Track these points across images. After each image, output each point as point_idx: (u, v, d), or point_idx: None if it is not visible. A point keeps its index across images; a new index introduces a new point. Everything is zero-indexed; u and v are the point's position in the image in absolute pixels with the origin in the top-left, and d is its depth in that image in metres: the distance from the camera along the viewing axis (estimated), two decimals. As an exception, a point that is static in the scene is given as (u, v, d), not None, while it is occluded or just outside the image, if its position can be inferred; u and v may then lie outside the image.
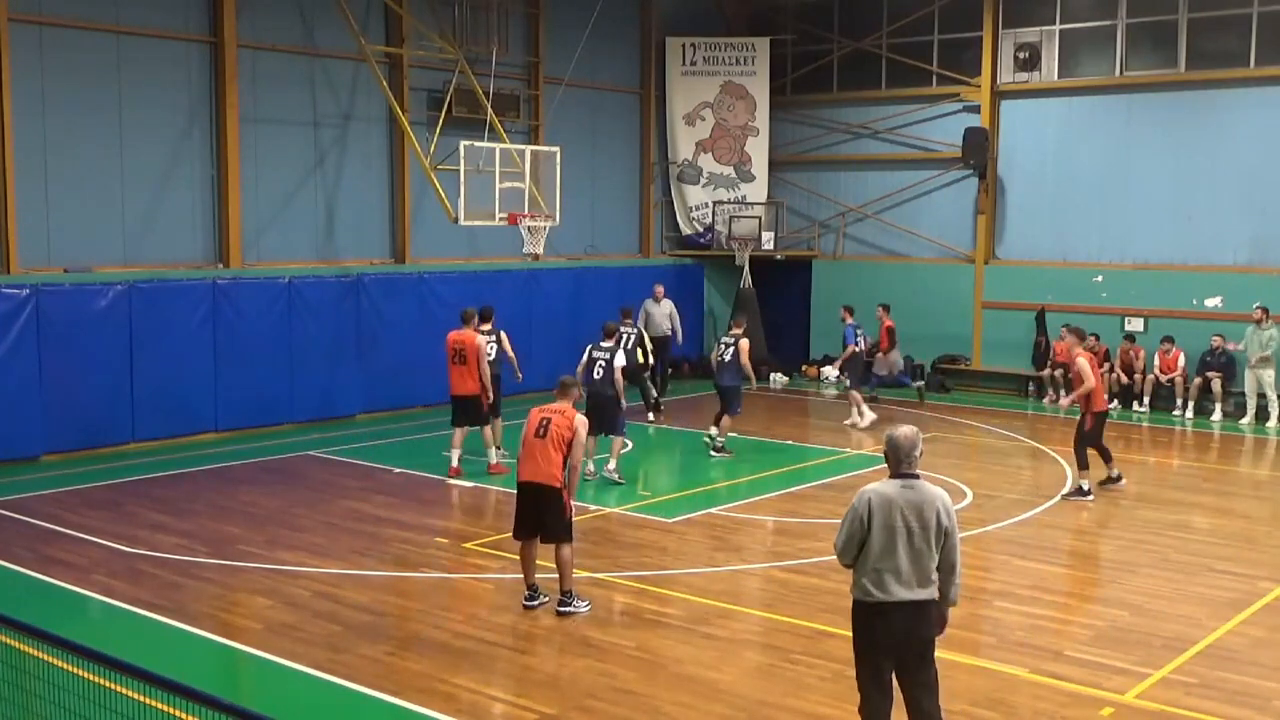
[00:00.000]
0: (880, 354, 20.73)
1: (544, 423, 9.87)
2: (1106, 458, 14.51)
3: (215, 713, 4.66)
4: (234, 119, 17.90)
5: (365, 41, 18.55)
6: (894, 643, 6.51)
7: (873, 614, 6.51)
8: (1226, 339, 19.73)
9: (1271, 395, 19.15)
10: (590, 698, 8.13)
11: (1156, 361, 20.47)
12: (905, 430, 6.61)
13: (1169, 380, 20.34)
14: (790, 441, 17.87)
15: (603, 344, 14.79)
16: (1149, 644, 9.27)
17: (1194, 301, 20.62)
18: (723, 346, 16.63)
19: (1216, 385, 19.70)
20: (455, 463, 14.94)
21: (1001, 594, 10.58)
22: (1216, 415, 19.74)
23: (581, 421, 9.96)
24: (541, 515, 9.84)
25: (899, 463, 6.57)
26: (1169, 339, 20.24)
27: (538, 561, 10.09)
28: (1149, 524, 13.10)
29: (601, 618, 9.83)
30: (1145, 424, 19.74)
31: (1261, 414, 19.32)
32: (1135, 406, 20.64)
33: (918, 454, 6.56)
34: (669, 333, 21.51)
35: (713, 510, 13.44)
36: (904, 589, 6.43)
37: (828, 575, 10.97)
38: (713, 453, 16.55)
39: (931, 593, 6.51)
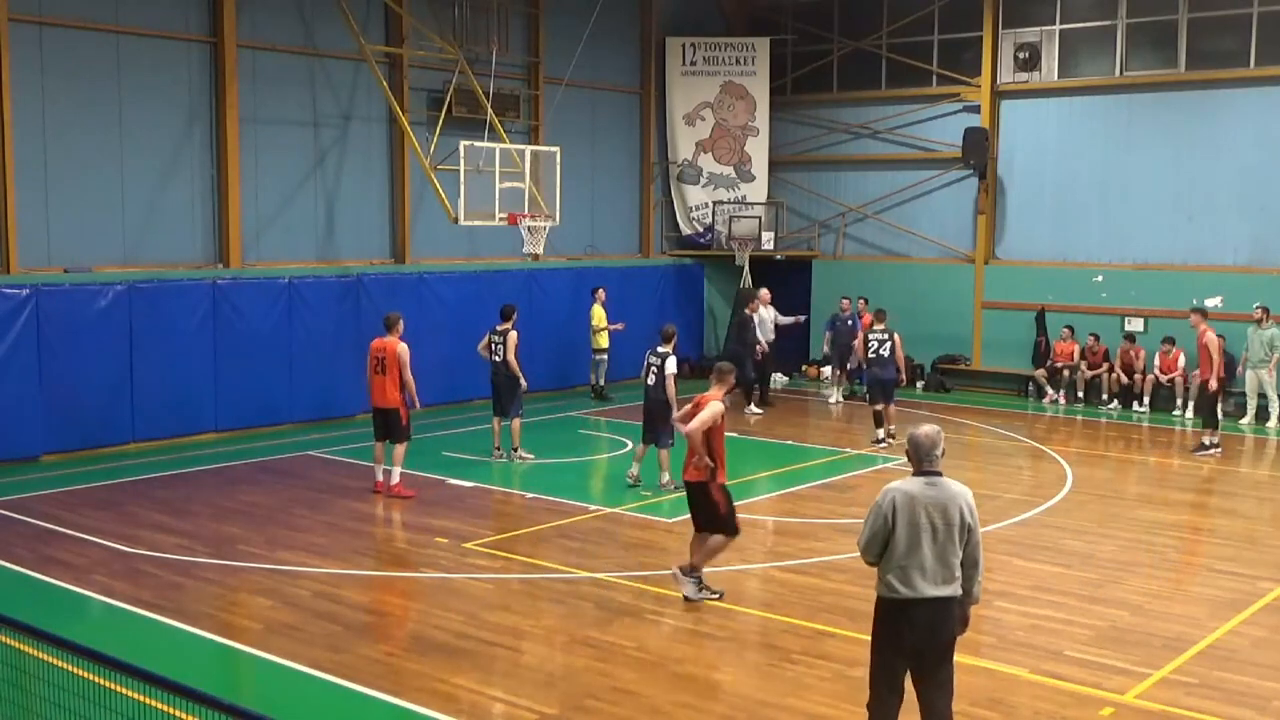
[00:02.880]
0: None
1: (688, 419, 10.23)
2: (1215, 425, 17.16)
3: (215, 713, 4.65)
4: (234, 119, 17.90)
5: (365, 41, 18.55)
6: (917, 640, 6.53)
7: (898, 610, 6.55)
8: (1227, 340, 19.72)
9: (1272, 395, 19.14)
10: (590, 698, 8.13)
11: (1156, 361, 20.46)
12: (926, 429, 6.68)
13: (1169, 380, 20.34)
14: (790, 441, 17.87)
15: (659, 349, 14.40)
16: (1149, 644, 9.28)
17: (1194, 301, 20.58)
18: (876, 343, 17.56)
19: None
20: (380, 476, 14.17)
21: (1001, 594, 10.57)
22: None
23: (711, 406, 10.11)
24: (697, 511, 10.26)
25: (920, 460, 6.63)
26: (1169, 339, 20.24)
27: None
28: (1149, 524, 13.10)
29: (601, 618, 9.83)
30: (1145, 424, 19.74)
31: (1261, 414, 19.31)
32: (1135, 406, 20.65)
33: (939, 452, 6.63)
34: (772, 337, 21.37)
35: (713, 510, 13.41)
36: (930, 586, 6.48)
37: (828, 575, 10.97)
38: (889, 441, 17.43)
39: (956, 590, 6.53)
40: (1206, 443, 17.06)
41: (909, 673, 6.64)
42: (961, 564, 6.56)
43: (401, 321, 14.46)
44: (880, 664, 6.68)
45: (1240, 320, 19.61)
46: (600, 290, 21.53)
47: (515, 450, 15.96)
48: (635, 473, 14.50)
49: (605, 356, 21.51)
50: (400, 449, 14.06)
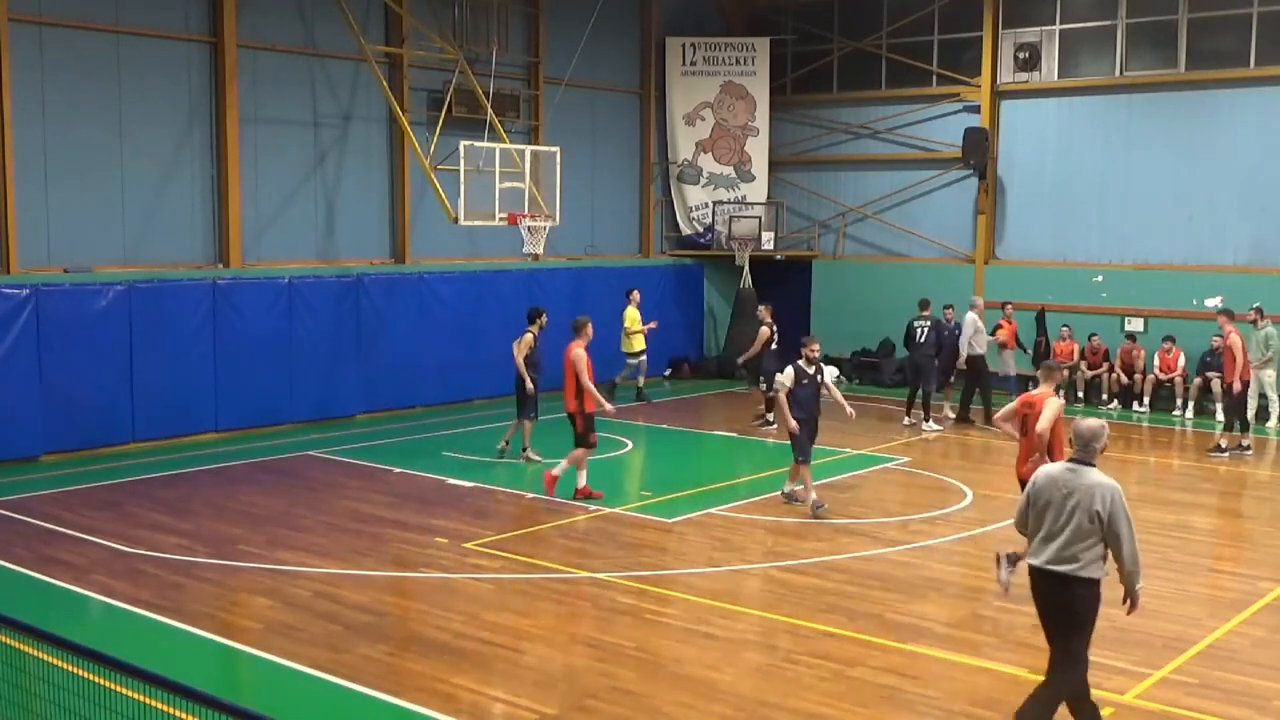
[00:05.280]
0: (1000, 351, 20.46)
1: (1023, 420, 10.50)
2: (1244, 427, 17.04)
3: (215, 713, 4.65)
4: (234, 119, 17.90)
5: (365, 41, 18.55)
6: (1044, 605, 7.25)
7: (1031, 576, 7.33)
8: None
9: (1272, 395, 19.12)
10: (590, 698, 8.13)
11: (1156, 361, 20.47)
12: (1090, 422, 7.29)
13: (1169, 380, 20.34)
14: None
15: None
16: (1149, 644, 9.28)
17: (1194, 301, 20.61)
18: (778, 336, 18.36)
19: (1216, 385, 19.67)
20: (580, 482, 13.93)
21: (1002, 594, 10.57)
22: (1218, 415, 19.71)
23: (1050, 404, 10.26)
24: None
25: (1075, 449, 7.26)
26: (1169, 339, 20.24)
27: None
28: (1149, 524, 13.09)
29: (601, 618, 9.83)
30: (1145, 424, 19.73)
31: (1261, 414, 19.30)
32: (1135, 406, 20.64)
33: (1097, 445, 7.21)
34: (983, 350, 19.46)
35: (713, 510, 13.44)
36: (1047, 559, 7.11)
37: (828, 575, 10.98)
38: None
39: (1078, 570, 7.03)
40: (1244, 444, 17.02)
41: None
42: (1111, 553, 7.06)
43: (588, 325, 14.20)
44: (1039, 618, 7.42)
45: (1240, 321, 19.57)
46: (634, 292, 21.21)
47: (524, 450, 15.95)
48: (789, 490, 13.84)
49: (643, 358, 21.14)
50: (577, 453, 13.85)
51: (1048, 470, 7.32)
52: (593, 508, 13.45)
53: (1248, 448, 17.06)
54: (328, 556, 11.51)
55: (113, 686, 5.59)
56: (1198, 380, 19.94)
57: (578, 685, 8.39)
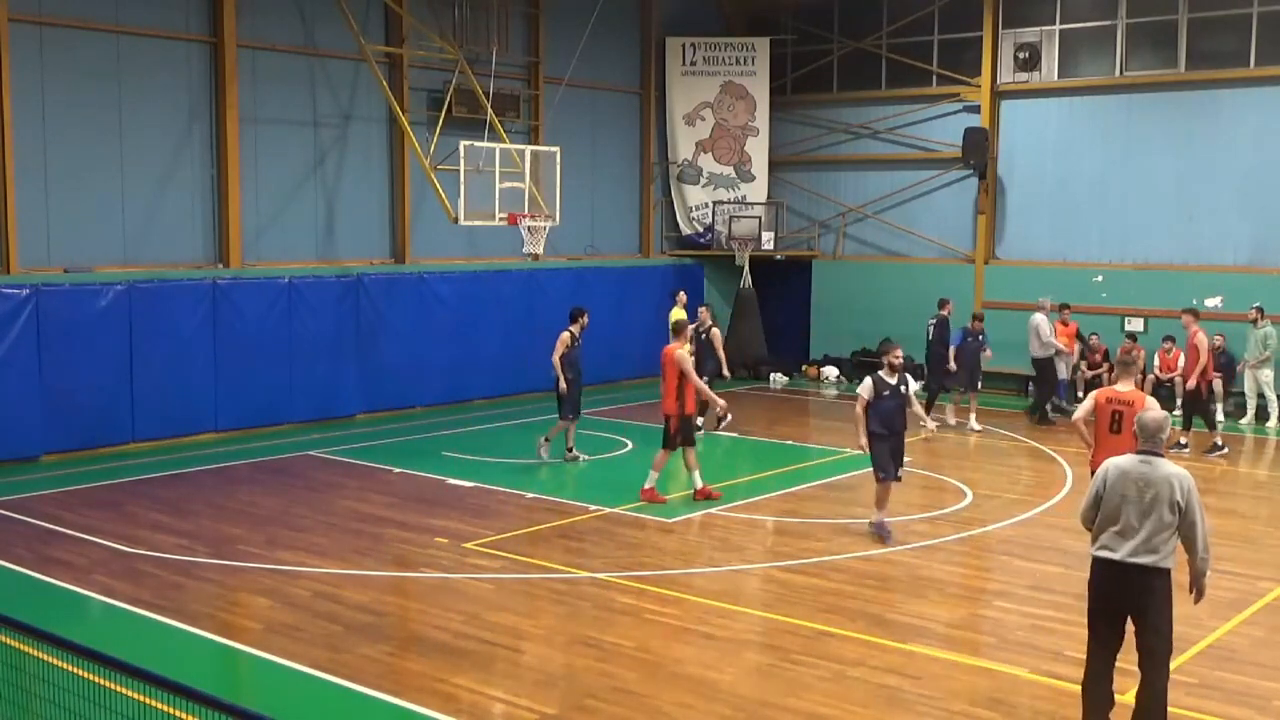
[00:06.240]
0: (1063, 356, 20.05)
1: (1115, 417, 10.21)
2: (1202, 425, 17.26)
3: (215, 713, 4.65)
4: (234, 119, 17.90)
5: (365, 41, 18.55)
6: (1116, 600, 7.20)
7: (1100, 570, 7.26)
8: (1227, 340, 19.72)
9: (1271, 395, 19.14)
10: (590, 698, 8.13)
11: (1156, 361, 20.46)
12: (1155, 414, 7.34)
13: (1169, 380, 20.32)
14: (790, 441, 17.86)
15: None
16: (1149, 644, 9.26)
17: (1194, 301, 20.56)
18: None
19: (1217, 385, 19.66)
20: (698, 484, 13.80)
21: (1001, 594, 10.58)
22: (1217, 415, 19.69)
23: (1152, 401, 9.92)
24: None
25: (1142, 441, 7.26)
26: (1169, 339, 20.23)
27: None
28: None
29: (601, 618, 9.83)
30: (1145, 424, 19.69)
31: (1261, 414, 19.31)
32: (1135, 406, 20.61)
33: (1162, 436, 7.22)
34: (1047, 352, 19.43)
35: (713, 510, 13.44)
36: (1126, 552, 7.11)
37: (828, 575, 10.98)
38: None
39: (1156, 561, 7.09)
40: (1182, 442, 17.01)
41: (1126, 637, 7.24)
42: (1183, 542, 7.16)
43: (688, 327, 14.58)
44: (1090, 619, 7.40)
45: (1240, 320, 19.61)
46: (681, 293, 20.75)
47: (569, 450, 15.98)
48: (875, 519, 12.46)
49: None
50: (689, 454, 13.76)
51: (1117, 464, 7.22)
52: (593, 508, 13.45)
53: (1185, 445, 16.96)
54: (328, 556, 11.51)
55: (113, 686, 5.59)
56: (1198, 380, 19.91)
57: (578, 685, 8.38)
